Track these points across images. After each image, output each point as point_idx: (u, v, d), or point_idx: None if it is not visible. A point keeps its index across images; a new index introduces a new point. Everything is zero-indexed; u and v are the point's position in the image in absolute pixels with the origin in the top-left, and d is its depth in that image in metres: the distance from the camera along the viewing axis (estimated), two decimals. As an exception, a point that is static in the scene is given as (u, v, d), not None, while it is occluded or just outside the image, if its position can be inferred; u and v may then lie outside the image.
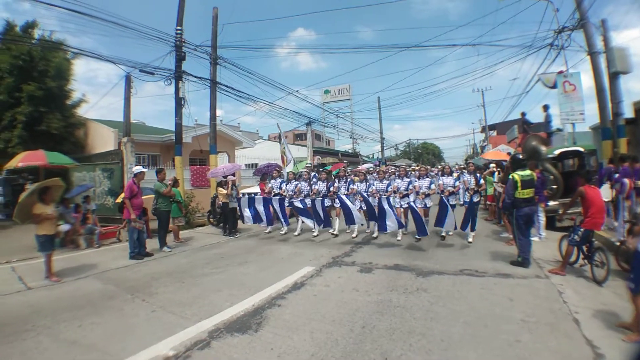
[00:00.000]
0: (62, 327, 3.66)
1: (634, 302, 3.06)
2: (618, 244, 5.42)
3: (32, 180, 10.46)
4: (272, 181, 9.86)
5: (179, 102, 11.55)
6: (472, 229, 7.23)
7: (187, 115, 12.49)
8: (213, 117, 12.87)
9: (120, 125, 12.59)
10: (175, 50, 11.48)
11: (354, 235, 8.24)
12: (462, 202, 7.75)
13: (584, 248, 4.93)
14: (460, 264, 5.66)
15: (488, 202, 10.51)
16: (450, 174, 8.07)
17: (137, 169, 7.20)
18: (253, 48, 60.12)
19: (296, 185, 9.10)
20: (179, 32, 11.52)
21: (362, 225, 8.33)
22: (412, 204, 7.35)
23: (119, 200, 9.04)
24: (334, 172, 12.10)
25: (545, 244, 6.79)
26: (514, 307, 3.80)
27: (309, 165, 15.67)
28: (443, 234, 7.54)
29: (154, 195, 7.83)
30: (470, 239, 7.19)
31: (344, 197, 7.81)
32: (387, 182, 8.16)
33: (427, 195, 7.76)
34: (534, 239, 7.13)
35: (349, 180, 8.86)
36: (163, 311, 4.03)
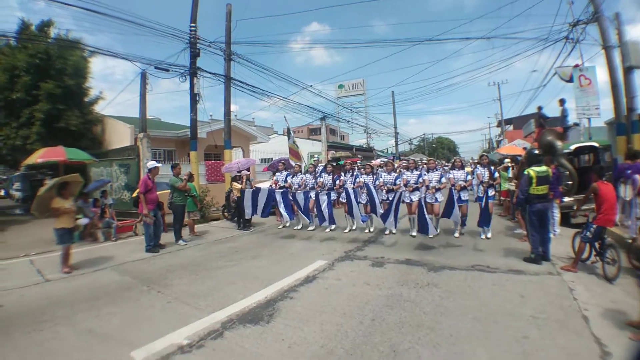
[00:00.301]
0: (80, 317, 3.81)
1: None
2: (630, 241, 5.33)
3: (52, 176, 10.81)
4: (278, 174, 9.87)
5: (194, 98, 11.69)
6: (487, 225, 6.99)
7: (201, 111, 12.65)
8: (227, 112, 13.00)
9: (136, 121, 12.83)
10: (189, 47, 11.61)
11: (345, 230, 8.24)
12: (475, 199, 7.48)
13: (596, 245, 4.86)
14: (472, 259, 5.64)
15: (502, 198, 10.39)
16: (462, 167, 7.70)
17: (152, 164, 7.38)
18: (266, 44, 60.11)
19: (302, 178, 9.05)
20: (193, 29, 11.63)
21: (362, 222, 8.04)
22: (421, 200, 6.90)
23: (135, 194, 9.27)
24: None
25: (559, 240, 6.67)
26: (525, 304, 3.78)
27: (317, 159, 15.67)
28: (456, 234, 7.28)
29: (169, 190, 8.02)
30: (484, 236, 7.01)
31: (351, 191, 7.55)
32: (396, 174, 7.93)
33: (438, 190, 7.41)
34: (551, 235, 7.06)
35: (355, 173, 8.63)
36: (178, 302, 4.16)
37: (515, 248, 6.25)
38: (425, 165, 8.61)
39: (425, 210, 6.64)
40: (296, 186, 8.94)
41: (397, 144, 36.12)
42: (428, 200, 7.33)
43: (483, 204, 6.87)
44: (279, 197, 8.41)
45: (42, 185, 6.80)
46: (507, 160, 11.06)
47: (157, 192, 7.49)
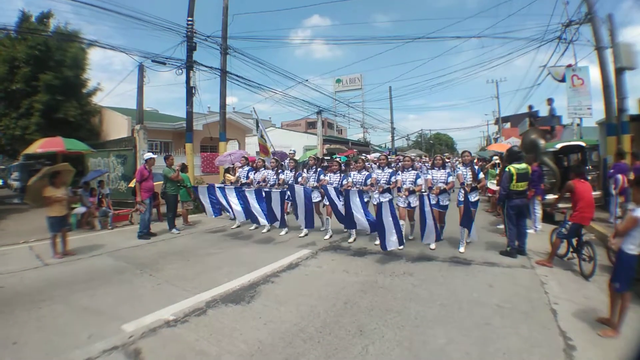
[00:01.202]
0: (76, 296, 4.10)
1: (613, 299, 3.08)
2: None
3: (50, 166, 11.01)
4: (240, 170, 8.82)
5: (190, 91, 11.88)
6: (468, 235, 5.98)
7: (198, 103, 12.75)
8: (223, 105, 13.15)
9: (133, 112, 13.06)
10: (186, 41, 11.79)
11: (350, 240, 6.82)
12: (457, 203, 6.32)
13: (574, 242, 5.00)
14: (451, 252, 5.83)
15: (489, 195, 10.61)
16: (443, 166, 6.59)
17: (148, 155, 7.67)
18: (262, 39, 60.09)
19: (263, 174, 8.10)
20: (190, 22, 11.80)
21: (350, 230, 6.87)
22: (386, 202, 5.60)
23: (132, 184, 9.51)
24: (339, 159, 12.11)
25: (539, 236, 6.89)
26: (492, 294, 3.96)
27: (292, 152, 14.71)
28: (432, 246, 6.08)
29: (162, 181, 8.28)
30: (462, 249, 5.94)
31: (332, 192, 6.45)
32: (367, 173, 7.00)
33: (412, 192, 6.17)
34: (530, 231, 7.27)
35: (319, 170, 7.63)
36: (167, 284, 4.46)
37: (495, 242, 6.41)
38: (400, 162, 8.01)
39: (390, 215, 5.41)
40: (256, 184, 7.89)
41: (393, 139, 36.31)
42: (400, 204, 6.38)
43: (463, 210, 5.86)
44: (231, 197, 7.35)
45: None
46: (495, 157, 11.26)
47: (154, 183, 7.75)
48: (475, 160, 9.37)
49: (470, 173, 6.30)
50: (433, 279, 4.51)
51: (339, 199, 6.39)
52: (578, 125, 11.48)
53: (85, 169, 11.88)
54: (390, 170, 6.68)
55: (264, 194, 7.02)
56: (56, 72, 13.09)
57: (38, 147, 9.46)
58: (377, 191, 6.26)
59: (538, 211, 7.38)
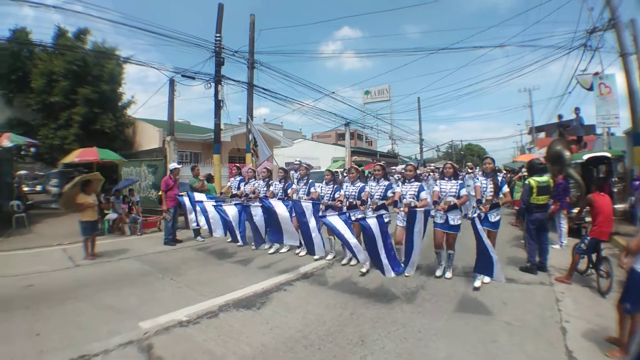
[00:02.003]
0: (101, 295, 4.45)
1: (623, 319, 3.01)
2: None
3: (87, 173, 11.78)
4: (232, 179, 8.22)
5: (218, 105, 12.38)
6: (489, 274, 4.20)
7: (226, 115, 13.31)
8: (250, 117, 13.62)
9: (165, 124, 13.73)
10: (214, 56, 12.36)
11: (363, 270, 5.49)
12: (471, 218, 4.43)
13: (594, 257, 4.84)
14: (468, 266, 5.56)
15: (516, 207, 10.31)
16: (455, 176, 5.24)
17: (172, 165, 8.16)
18: (288, 53, 61.34)
19: (253, 185, 7.38)
20: (218, 38, 12.36)
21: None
22: (366, 219, 4.24)
23: (160, 193, 10.02)
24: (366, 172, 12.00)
25: (564, 252, 6.63)
26: (504, 311, 3.90)
27: (297, 162, 13.79)
28: (440, 273, 5.28)
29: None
30: (477, 283, 4.78)
31: (330, 221, 4.49)
32: (362, 185, 5.79)
33: (381, 207, 5.38)
34: (555, 246, 7.05)
35: (310, 181, 6.66)
36: (186, 288, 4.75)
37: (516, 257, 6.21)
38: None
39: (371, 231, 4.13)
40: (245, 196, 7.28)
41: (421, 151, 35.89)
42: (399, 223, 5.39)
43: (477, 247, 4.21)
44: (210, 211, 6.45)
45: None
46: (523, 169, 10.95)
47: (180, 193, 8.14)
48: (504, 171, 9.14)
49: (491, 185, 5.09)
50: (445, 294, 4.48)
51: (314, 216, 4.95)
52: (609, 134, 10.99)
53: (119, 177, 12.58)
54: (387, 183, 5.63)
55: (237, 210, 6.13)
56: (94, 86, 13.99)
57: (75, 156, 10.19)
58: (370, 208, 5.37)
59: (563, 225, 7.11)
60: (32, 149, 13.97)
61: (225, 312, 3.85)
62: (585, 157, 8.59)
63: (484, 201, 5.05)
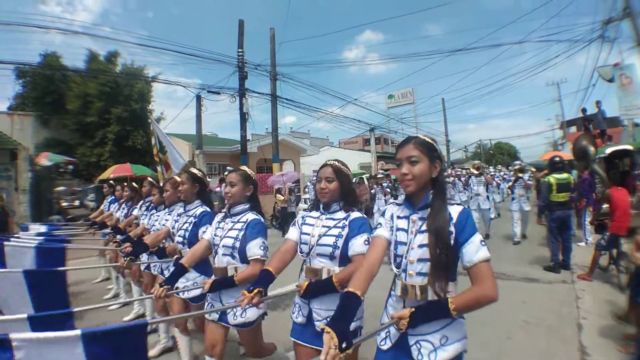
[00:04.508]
0: None
1: (637, 315, 2.96)
2: None
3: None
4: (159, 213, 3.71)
5: (243, 117, 12.89)
6: None
7: (252, 126, 13.77)
8: (275, 128, 14.01)
9: (194, 138, 14.39)
10: (238, 71, 12.88)
11: None
12: None
13: (614, 253, 4.80)
14: (494, 267, 5.76)
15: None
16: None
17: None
18: (309, 64, 61.89)
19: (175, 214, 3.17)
20: (240, 53, 12.88)
21: None
22: None
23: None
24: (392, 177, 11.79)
25: (589, 249, 6.52)
26: (523, 309, 3.95)
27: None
28: None
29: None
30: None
31: None
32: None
33: None
34: (581, 244, 6.94)
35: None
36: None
37: (542, 256, 6.13)
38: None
39: None
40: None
41: (448, 152, 35.33)
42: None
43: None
44: None
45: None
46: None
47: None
48: (532, 170, 9.29)
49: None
50: (465, 291, 4.54)
51: None
52: (635, 125, 10.57)
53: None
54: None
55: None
56: (125, 105, 14.91)
57: (111, 173, 10.90)
58: None
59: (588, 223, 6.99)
60: (70, 167, 15.03)
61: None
62: (608, 151, 8.36)
63: None
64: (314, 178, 8.31)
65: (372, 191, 10.21)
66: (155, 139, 7.00)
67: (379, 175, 10.72)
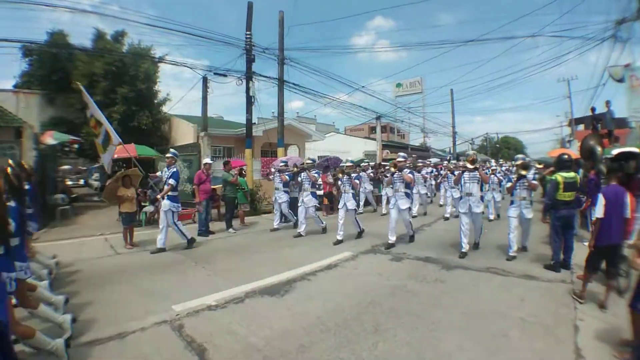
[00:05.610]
0: (140, 280, 4.96)
1: (635, 321, 2.90)
2: None
3: (125, 169, 12.60)
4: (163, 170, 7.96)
5: (249, 100, 12.76)
6: None
7: (258, 110, 13.68)
8: (281, 113, 13.88)
9: (199, 120, 14.36)
10: (245, 53, 12.74)
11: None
12: None
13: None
14: (490, 262, 5.70)
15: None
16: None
17: (204, 160, 8.63)
18: (318, 49, 60.75)
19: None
20: (248, 36, 12.70)
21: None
22: None
23: (194, 186, 10.60)
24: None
25: (592, 250, 6.52)
26: (520, 307, 3.94)
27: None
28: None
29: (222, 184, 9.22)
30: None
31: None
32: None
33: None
34: (585, 243, 6.89)
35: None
36: (216, 276, 5.17)
37: (544, 254, 6.06)
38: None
39: None
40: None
41: (454, 144, 35.06)
42: None
43: None
44: None
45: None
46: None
47: (213, 186, 8.64)
48: (539, 166, 8.84)
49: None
50: (463, 288, 4.57)
51: None
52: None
53: (156, 171, 13.33)
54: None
55: None
56: (131, 85, 14.80)
57: (114, 153, 10.89)
58: None
59: (594, 223, 6.91)
60: (75, 146, 15.04)
61: (251, 298, 4.20)
62: (614, 152, 8.24)
63: None
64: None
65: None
66: (90, 112, 7.57)
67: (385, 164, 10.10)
